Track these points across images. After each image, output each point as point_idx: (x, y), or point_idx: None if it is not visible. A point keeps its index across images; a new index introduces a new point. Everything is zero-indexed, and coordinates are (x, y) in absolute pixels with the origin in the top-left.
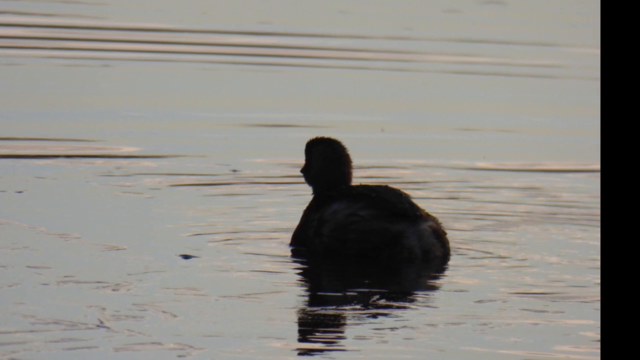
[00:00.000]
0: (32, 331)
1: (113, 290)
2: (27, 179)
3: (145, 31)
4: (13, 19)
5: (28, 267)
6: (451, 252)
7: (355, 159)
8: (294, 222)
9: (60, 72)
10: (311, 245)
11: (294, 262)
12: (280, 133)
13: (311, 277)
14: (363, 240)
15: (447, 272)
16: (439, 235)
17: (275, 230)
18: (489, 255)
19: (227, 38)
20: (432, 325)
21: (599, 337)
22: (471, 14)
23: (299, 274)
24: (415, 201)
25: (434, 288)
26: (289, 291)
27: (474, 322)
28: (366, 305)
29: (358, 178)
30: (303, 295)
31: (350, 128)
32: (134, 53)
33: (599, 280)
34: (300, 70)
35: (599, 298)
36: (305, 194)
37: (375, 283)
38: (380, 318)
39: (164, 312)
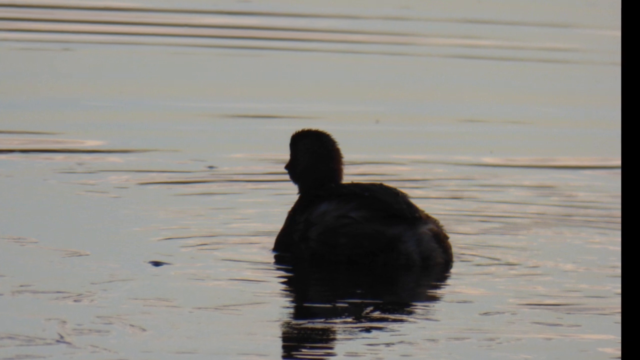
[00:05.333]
0: None
1: (75, 301)
2: None
3: (110, 10)
4: None
5: None
6: (454, 259)
7: (347, 154)
8: (278, 225)
9: (15, 56)
10: (297, 250)
11: (278, 269)
12: (262, 125)
13: (297, 287)
14: (355, 245)
15: (449, 281)
16: (440, 239)
17: (256, 234)
18: (496, 262)
19: (203, 18)
20: (433, 340)
21: (619, 353)
22: None
23: (283, 282)
24: (413, 201)
25: (434, 299)
26: (271, 302)
27: (480, 336)
28: (359, 318)
29: (349, 175)
30: (288, 307)
31: (340, 119)
32: (97, 35)
33: (619, 290)
34: (285, 54)
35: (620, 310)
36: (290, 193)
37: (368, 293)
38: (375, 332)
39: (131, 325)
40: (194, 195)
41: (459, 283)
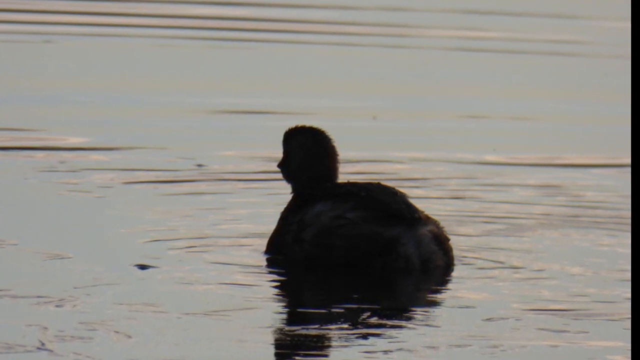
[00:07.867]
0: None
1: (57, 306)
2: None
3: (94, 0)
4: None
5: None
6: (455, 262)
7: (343, 152)
8: (270, 226)
9: None
10: (290, 253)
11: (270, 273)
12: (253, 121)
13: (290, 291)
14: (351, 247)
15: (450, 285)
16: (441, 241)
17: (247, 236)
18: (499, 265)
19: (191, 9)
20: (433, 347)
21: None
22: None
23: (275, 287)
24: (413, 201)
25: (434, 304)
26: (263, 307)
27: (482, 343)
28: (355, 324)
29: (346, 174)
30: (280, 312)
31: (336, 115)
32: (81, 27)
33: (629, 295)
34: (278, 47)
35: (629, 315)
36: (283, 193)
37: (365, 297)
38: (372, 339)
39: (116, 332)
40: (182, 195)
41: (461, 287)
